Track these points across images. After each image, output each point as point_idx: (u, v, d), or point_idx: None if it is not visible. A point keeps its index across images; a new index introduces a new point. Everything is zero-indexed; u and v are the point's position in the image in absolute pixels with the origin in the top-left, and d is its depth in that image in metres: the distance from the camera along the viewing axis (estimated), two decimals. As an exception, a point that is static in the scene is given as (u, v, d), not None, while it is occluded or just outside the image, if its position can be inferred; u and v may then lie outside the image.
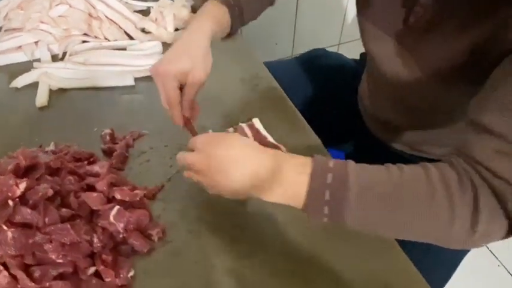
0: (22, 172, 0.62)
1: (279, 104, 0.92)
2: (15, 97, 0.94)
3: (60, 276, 0.59)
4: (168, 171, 0.79)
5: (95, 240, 0.64)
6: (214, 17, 0.80)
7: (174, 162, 0.79)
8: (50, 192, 0.59)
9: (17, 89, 0.95)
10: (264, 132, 0.83)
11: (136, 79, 0.97)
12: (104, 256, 0.62)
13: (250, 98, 0.93)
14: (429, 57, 0.67)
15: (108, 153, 0.81)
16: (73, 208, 0.63)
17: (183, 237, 0.69)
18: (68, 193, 0.65)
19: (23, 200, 0.58)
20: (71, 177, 0.66)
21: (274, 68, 1.01)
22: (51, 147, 0.81)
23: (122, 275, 0.62)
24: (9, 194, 0.57)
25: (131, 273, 0.64)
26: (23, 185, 0.58)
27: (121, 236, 0.67)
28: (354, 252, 0.67)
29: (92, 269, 0.62)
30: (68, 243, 0.59)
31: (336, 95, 1.05)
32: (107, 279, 0.60)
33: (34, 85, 0.95)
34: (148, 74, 0.95)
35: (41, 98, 0.92)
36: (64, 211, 0.61)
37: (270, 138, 0.81)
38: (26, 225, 0.57)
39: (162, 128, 0.86)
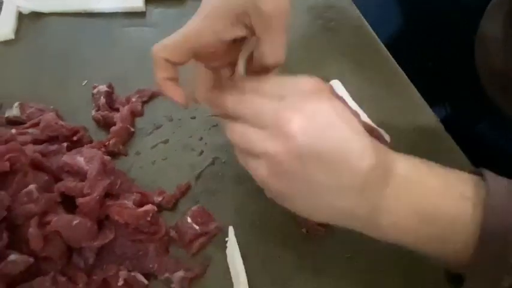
0: None
1: (367, 50, 0.59)
2: (-33, 23, 0.63)
3: None
4: (196, 162, 0.49)
5: (76, 295, 0.37)
6: None
7: (207, 146, 0.50)
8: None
9: (-30, 9, 0.64)
10: (352, 103, 0.51)
11: (148, 1, 0.64)
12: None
13: (323, 38, 0.61)
14: None
15: (102, 124, 0.52)
16: (33, 249, 0.35)
17: (223, 282, 0.42)
18: (25, 219, 0.36)
19: None
20: (32, 187, 0.37)
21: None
22: (14, 110, 0.52)
23: None
24: None
25: None
26: None
27: (120, 283, 0.39)
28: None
29: None
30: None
31: (440, 38, 0.72)
32: None
33: (-5, 5, 0.63)
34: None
35: (5, 26, 0.61)
36: (13, 262, 0.33)
37: (363, 115, 0.51)
38: None
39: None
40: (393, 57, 0.60)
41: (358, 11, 0.63)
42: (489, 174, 0.32)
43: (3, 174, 0.37)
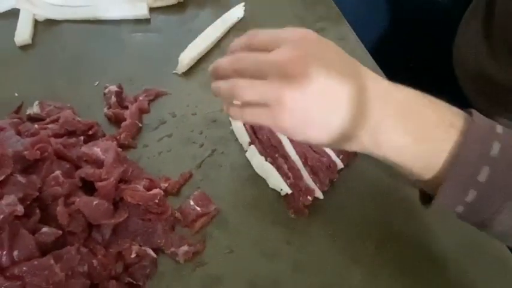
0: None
1: (351, 54, 0.65)
2: (-13, 29, 0.69)
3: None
4: (198, 153, 0.56)
5: (96, 265, 0.43)
6: None
7: (207, 139, 0.57)
8: (20, 210, 0.38)
9: (-10, 17, 0.70)
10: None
11: (152, 10, 0.70)
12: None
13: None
14: None
15: (114, 120, 0.58)
16: (61, 224, 0.42)
17: (221, 256, 0.48)
18: (53, 199, 0.43)
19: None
20: (58, 173, 0.44)
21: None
22: (35, 108, 0.58)
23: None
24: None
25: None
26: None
27: (133, 256, 0.46)
28: None
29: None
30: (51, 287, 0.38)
31: (422, 41, 0.78)
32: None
33: (14, 13, 0.70)
34: (170, 2, 0.69)
35: (23, 33, 0.68)
36: (45, 233, 0.40)
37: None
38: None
39: (189, 87, 0.61)
40: (377, 58, 0.66)
41: (343, 17, 0.69)
42: (476, 113, 0.37)
43: (35, 161, 0.43)
